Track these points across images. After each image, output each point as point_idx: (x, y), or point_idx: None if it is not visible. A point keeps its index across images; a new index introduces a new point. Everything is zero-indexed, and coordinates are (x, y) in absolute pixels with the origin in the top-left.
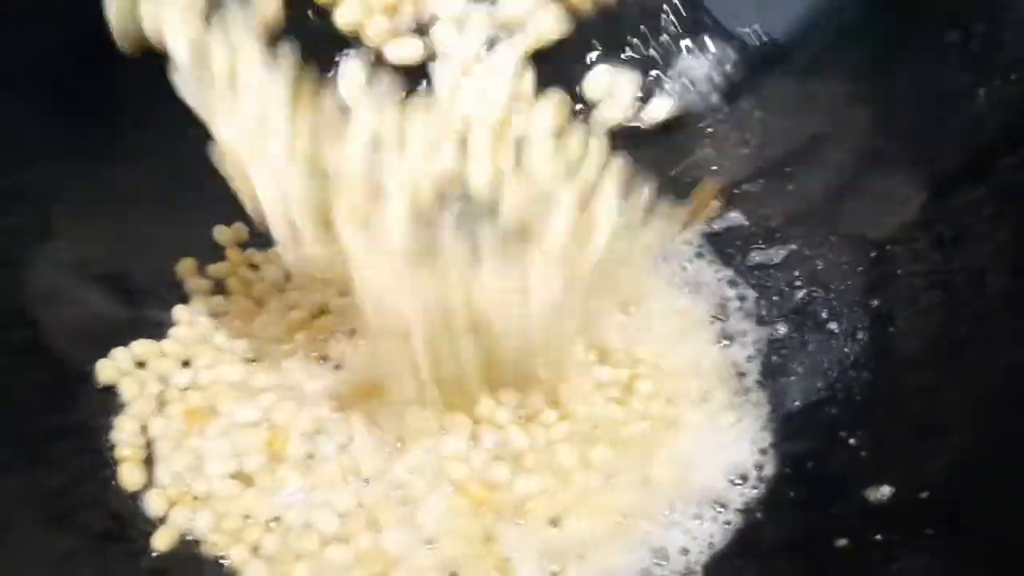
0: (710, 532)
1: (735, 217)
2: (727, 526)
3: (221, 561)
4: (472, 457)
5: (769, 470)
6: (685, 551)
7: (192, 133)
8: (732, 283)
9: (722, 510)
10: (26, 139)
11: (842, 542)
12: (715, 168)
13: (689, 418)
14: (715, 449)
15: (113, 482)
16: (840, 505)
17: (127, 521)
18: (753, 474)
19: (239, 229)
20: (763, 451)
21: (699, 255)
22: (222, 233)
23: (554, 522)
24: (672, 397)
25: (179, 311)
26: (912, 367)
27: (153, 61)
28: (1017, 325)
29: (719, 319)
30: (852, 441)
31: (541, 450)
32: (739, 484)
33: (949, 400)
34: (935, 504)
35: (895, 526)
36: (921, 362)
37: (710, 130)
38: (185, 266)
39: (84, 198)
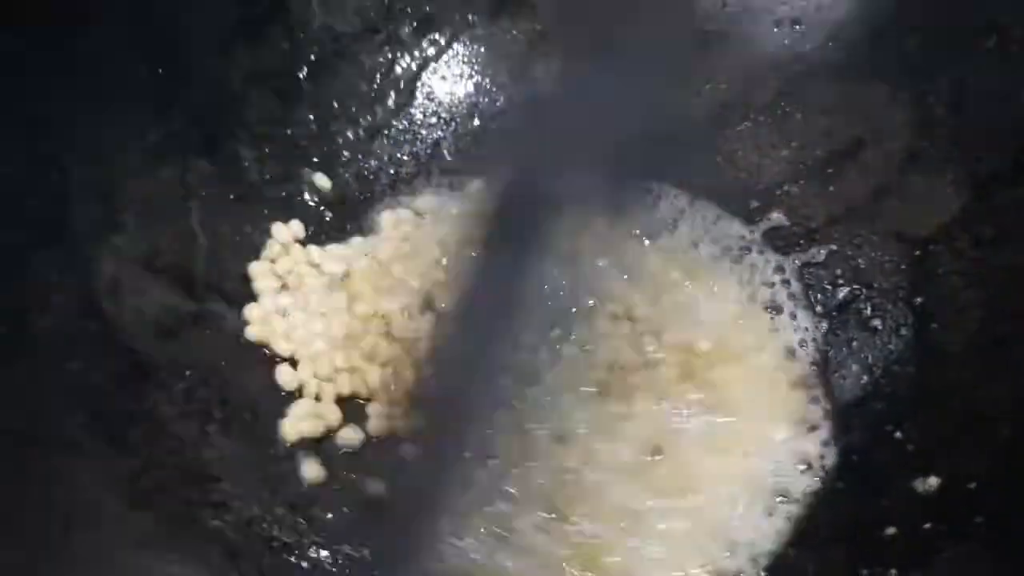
0: (775, 524)
1: (777, 217)
2: (788, 517)
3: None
4: None
5: (829, 461)
6: (751, 543)
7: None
8: (779, 282)
9: (784, 500)
10: (94, 135)
11: (891, 531)
12: (756, 168)
13: (752, 410)
14: (779, 442)
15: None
16: (889, 496)
17: (198, 506)
18: (816, 465)
19: (296, 226)
20: (825, 443)
21: (746, 250)
22: (280, 231)
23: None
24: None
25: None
26: (955, 363)
27: (221, 69)
28: None
29: (770, 313)
30: (899, 435)
31: None
32: (799, 475)
33: (992, 395)
34: (982, 495)
35: (943, 516)
36: (964, 358)
37: (751, 131)
38: (256, 266)
39: (149, 193)
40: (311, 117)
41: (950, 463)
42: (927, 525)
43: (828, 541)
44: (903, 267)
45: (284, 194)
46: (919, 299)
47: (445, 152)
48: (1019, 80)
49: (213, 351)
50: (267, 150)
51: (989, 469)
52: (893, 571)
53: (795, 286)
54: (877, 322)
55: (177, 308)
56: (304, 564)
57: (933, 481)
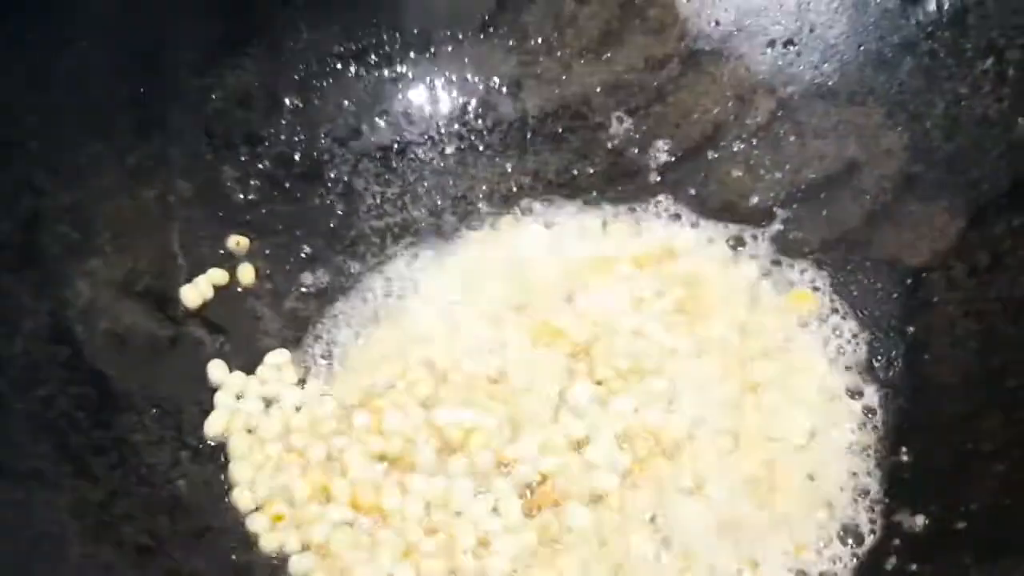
0: None
1: (768, 242)
2: None
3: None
4: None
5: None
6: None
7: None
8: None
9: None
10: (70, 156)
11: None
12: (748, 191)
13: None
14: None
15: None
16: (876, 532)
17: (164, 538)
18: None
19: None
20: None
21: None
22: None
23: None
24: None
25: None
26: (949, 395)
27: (204, 88)
28: None
29: None
30: (891, 468)
31: None
32: None
33: (986, 429)
34: (971, 535)
35: (930, 555)
36: (958, 390)
37: (743, 153)
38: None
39: (127, 215)
40: (295, 137)
41: (940, 501)
42: (913, 566)
43: None
44: (895, 295)
45: (265, 212)
46: (911, 328)
47: (432, 171)
48: (1016, 104)
49: (189, 377)
50: (250, 170)
51: (980, 507)
52: None
53: None
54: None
55: (154, 332)
56: None
57: (919, 520)
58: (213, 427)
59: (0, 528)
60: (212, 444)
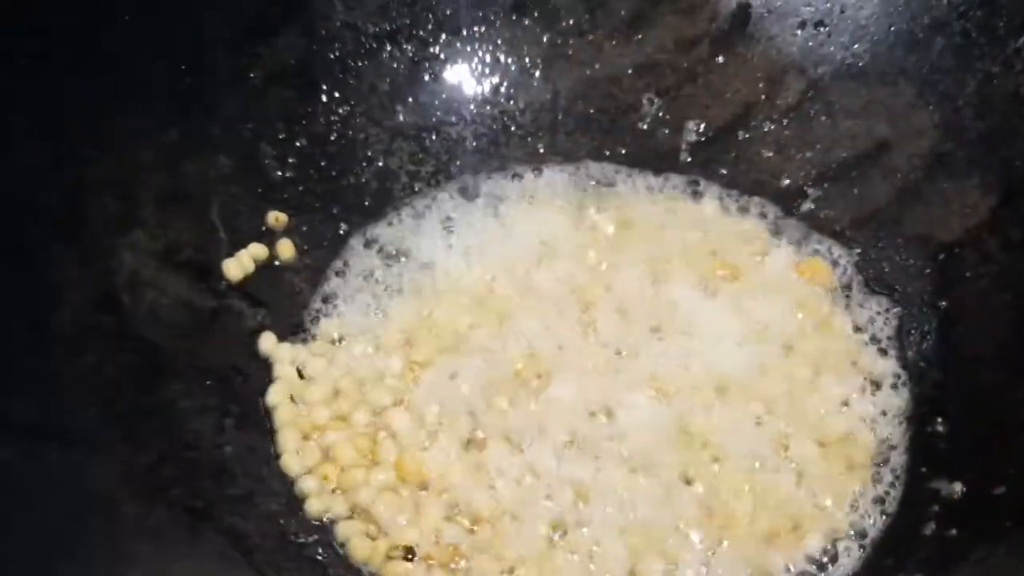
0: None
1: (800, 220)
2: None
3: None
4: None
5: None
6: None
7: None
8: None
9: None
10: (114, 131)
11: (917, 534)
12: (779, 171)
13: None
14: None
15: (197, 461)
16: (915, 499)
17: (212, 501)
18: None
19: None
20: None
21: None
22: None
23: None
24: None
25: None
26: (983, 366)
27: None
28: None
29: None
30: (924, 440)
31: None
32: None
33: (1022, 397)
34: (1010, 500)
35: (969, 521)
36: (992, 363)
37: (774, 134)
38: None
39: (169, 189)
40: (332, 116)
41: (977, 468)
42: (952, 531)
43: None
44: (927, 271)
45: (303, 189)
46: (944, 303)
47: (466, 151)
48: None
49: (231, 347)
50: (287, 148)
51: (1017, 472)
52: None
53: None
54: (903, 326)
55: (195, 304)
56: (320, 558)
57: (958, 487)
58: (273, 397)
59: (54, 488)
60: (256, 412)
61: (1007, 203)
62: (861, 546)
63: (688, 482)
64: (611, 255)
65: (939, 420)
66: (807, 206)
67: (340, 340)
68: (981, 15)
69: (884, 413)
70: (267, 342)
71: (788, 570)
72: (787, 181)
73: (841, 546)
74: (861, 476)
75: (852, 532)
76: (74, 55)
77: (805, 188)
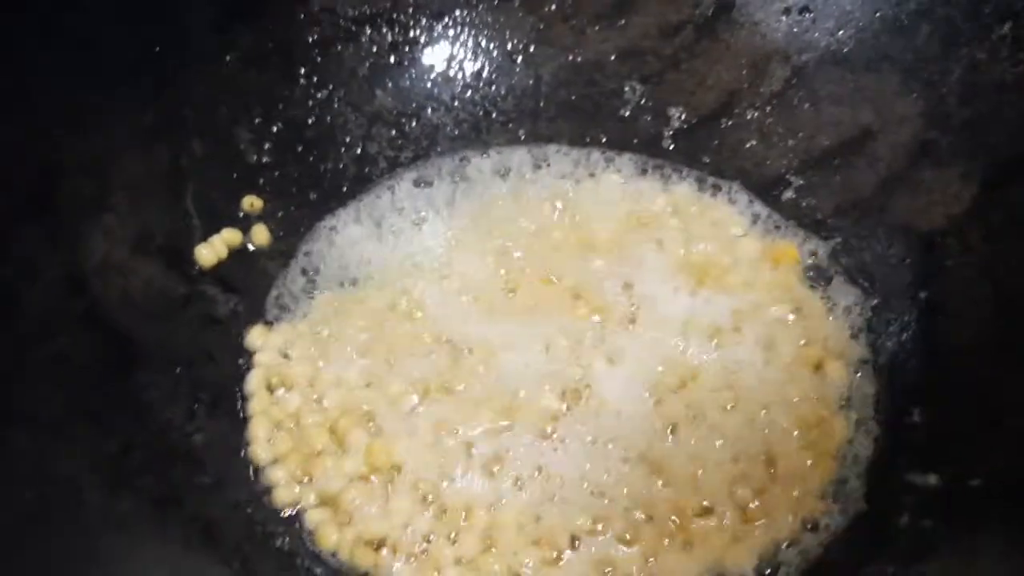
0: None
1: (783, 208)
2: None
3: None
4: None
5: None
6: None
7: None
8: None
9: None
10: (88, 112)
11: (892, 525)
12: (762, 159)
13: None
14: None
15: (165, 450)
16: (890, 490)
17: (180, 489)
18: None
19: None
20: None
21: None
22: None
23: None
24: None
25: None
26: (962, 359)
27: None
28: None
29: None
30: (901, 430)
31: None
32: None
33: (1004, 387)
34: (987, 493)
35: (944, 513)
36: (971, 355)
37: (758, 121)
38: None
39: (142, 173)
40: (310, 100)
41: (954, 459)
42: (927, 522)
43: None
44: (908, 261)
45: (279, 174)
46: (924, 293)
47: (446, 136)
48: None
49: (203, 333)
50: (264, 132)
51: (996, 464)
52: (890, 569)
53: None
54: (882, 315)
55: (167, 289)
56: (288, 547)
57: (933, 478)
58: (250, 385)
59: (18, 476)
60: (228, 399)
61: (989, 192)
62: (833, 535)
63: (659, 470)
64: (584, 238)
65: (916, 411)
66: (789, 194)
67: (312, 326)
68: (967, 1)
69: (859, 403)
70: (251, 331)
71: (759, 559)
72: (770, 168)
73: (812, 535)
74: (834, 465)
75: (824, 521)
76: (47, 34)
77: (788, 176)
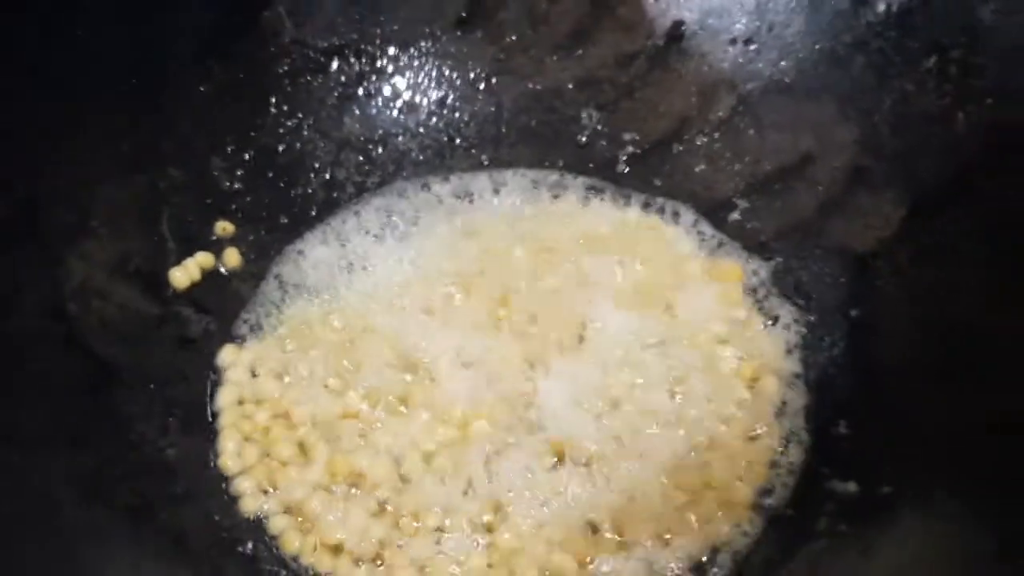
0: None
1: (728, 230)
2: None
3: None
4: None
5: None
6: None
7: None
8: None
9: None
10: (67, 141)
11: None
12: (710, 182)
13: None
14: None
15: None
16: (816, 495)
17: (153, 501)
18: None
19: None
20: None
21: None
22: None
23: None
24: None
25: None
26: (888, 375)
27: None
28: (991, 334)
29: None
30: (832, 438)
31: None
32: None
33: (922, 403)
34: (899, 496)
35: (861, 516)
36: (896, 371)
37: (706, 146)
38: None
39: (120, 200)
40: (280, 128)
41: (871, 468)
42: (843, 527)
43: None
44: (842, 280)
45: (251, 200)
46: (855, 311)
47: (412, 162)
48: (957, 101)
49: (177, 352)
50: (237, 159)
51: (909, 473)
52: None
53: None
54: (815, 333)
55: (142, 311)
56: (253, 553)
57: (852, 486)
58: (220, 400)
59: None
60: (199, 415)
61: (916, 216)
62: (759, 538)
63: (602, 479)
64: (540, 257)
65: (843, 423)
66: (735, 216)
67: (280, 344)
68: (896, 35)
69: (791, 415)
70: (221, 348)
71: (682, 559)
72: (717, 191)
73: (742, 538)
74: (765, 473)
75: (751, 526)
76: (28, 69)
77: (734, 199)
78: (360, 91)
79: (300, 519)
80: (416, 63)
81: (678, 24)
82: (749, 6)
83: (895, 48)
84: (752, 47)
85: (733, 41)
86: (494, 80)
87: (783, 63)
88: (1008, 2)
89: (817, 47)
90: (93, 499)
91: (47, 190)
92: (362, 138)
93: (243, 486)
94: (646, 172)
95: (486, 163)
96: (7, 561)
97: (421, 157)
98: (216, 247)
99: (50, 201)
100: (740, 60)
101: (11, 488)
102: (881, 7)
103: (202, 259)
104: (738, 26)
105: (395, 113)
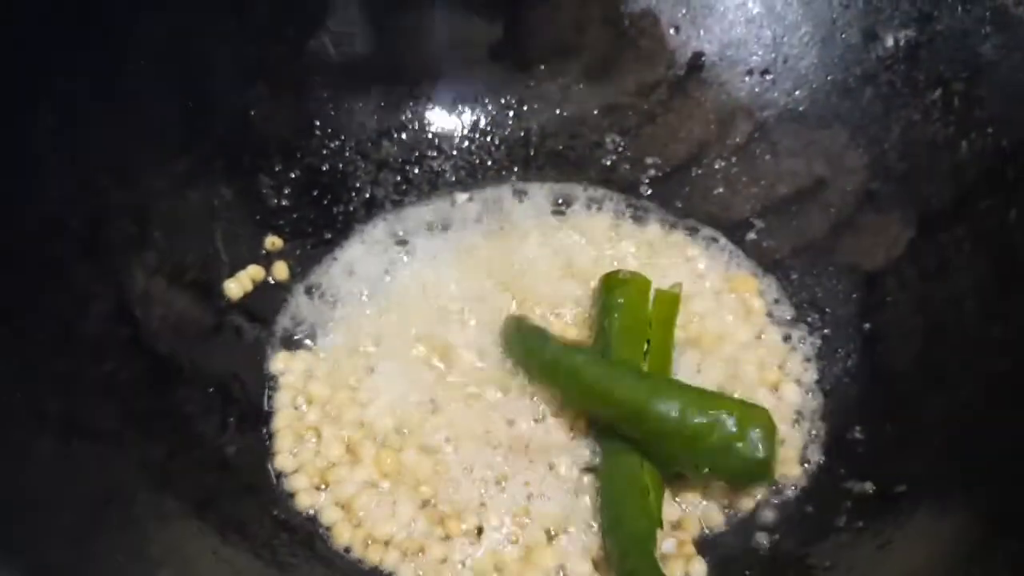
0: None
1: (746, 249)
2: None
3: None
4: None
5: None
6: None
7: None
8: None
9: None
10: (129, 162)
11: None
12: (728, 204)
13: None
14: None
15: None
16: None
17: (216, 493)
18: None
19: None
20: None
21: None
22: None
23: None
24: None
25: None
26: (898, 383)
27: (243, 105)
28: (991, 345)
29: None
30: (847, 442)
31: None
32: None
33: (929, 408)
34: (913, 495)
35: (877, 514)
36: (906, 379)
37: (724, 170)
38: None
39: (177, 215)
40: (324, 150)
41: (886, 469)
42: (860, 523)
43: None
44: (854, 296)
45: (297, 216)
46: (867, 325)
47: (444, 182)
48: (960, 129)
49: (232, 357)
50: (283, 178)
51: (921, 473)
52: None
53: None
54: (831, 345)
55: (200, 318)
56: (309, 542)
57: (868, 486)
58: (276, 403)
59: (81, 478)
60: (254, 415)
61: (924, 236)
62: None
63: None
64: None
65: (857, 428)
66: (751, 236)
67: (328, 351)
68: (904, 68)
69: (809, 420)
70: (275, 356)
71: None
72: (735, 212)
73: (764, 534)
74: (784, 472)
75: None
76: (95, 96)
77: (751, 220)
78: (398, 115)
79: (349, 514)
80: (451, 90)
81: (698, 55)
82: (766, 39)
83: (903, 80)
84: (768, 77)
85: (750, 72)
86: (524, 106)
87: (797, 93)
88: (1008, 39)
89: (829, 78)
90: (163, 489)
91: (112, 208)
92: (400, 159)
93: (297, 483)
94: (667, 194)
95: (514, 183)
96: (91, 543)
97: (454, 178)
98: (266, 260)
99: (115, 217)
100: (757, 90)
101: (90, 477)
102: (890, 42)
103: (253, 271)
104: (755, 58)
105: (430, 136)
